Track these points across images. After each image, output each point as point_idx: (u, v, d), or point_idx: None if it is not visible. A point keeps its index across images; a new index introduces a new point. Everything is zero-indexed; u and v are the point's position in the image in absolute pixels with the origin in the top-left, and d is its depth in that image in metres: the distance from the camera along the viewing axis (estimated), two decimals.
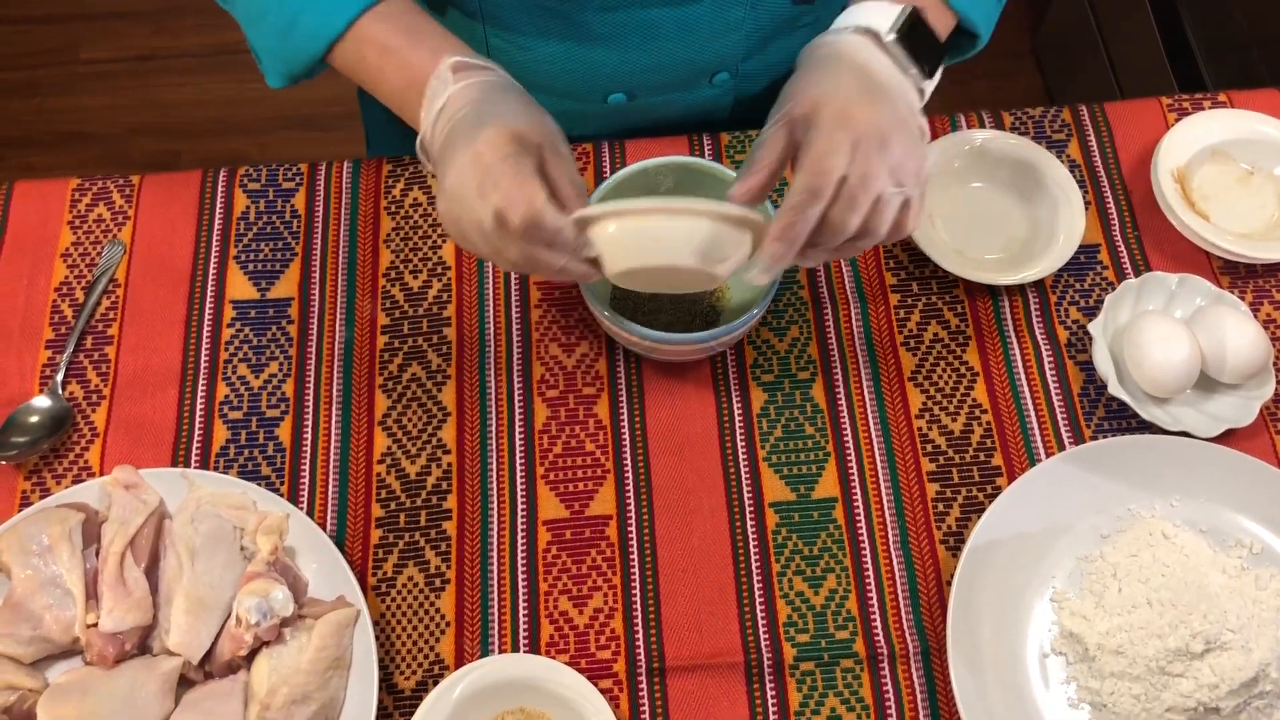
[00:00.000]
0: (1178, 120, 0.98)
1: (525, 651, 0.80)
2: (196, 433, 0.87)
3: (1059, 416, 0.88)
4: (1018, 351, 0.90)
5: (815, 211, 0.70)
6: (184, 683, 0.77)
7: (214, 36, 2.31)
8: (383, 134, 1.16)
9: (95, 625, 0.77)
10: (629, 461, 0.86)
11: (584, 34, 0.91)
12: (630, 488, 0.85)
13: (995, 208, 0.95)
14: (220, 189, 0.96)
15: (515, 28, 0.92)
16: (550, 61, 0.94)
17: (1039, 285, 0.93)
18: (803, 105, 0.72)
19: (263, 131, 2.21)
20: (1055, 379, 0.89)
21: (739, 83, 1.00)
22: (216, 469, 0.86)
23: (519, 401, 0.88)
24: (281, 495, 0.84)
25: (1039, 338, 0.91)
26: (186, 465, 0.86)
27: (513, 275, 0.93)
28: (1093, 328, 0.88)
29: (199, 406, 0.88)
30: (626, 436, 0.87)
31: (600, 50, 0.92)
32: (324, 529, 0.83)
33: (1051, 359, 0.90)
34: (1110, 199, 0.96)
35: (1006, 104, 0.98)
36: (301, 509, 0.84)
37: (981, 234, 0.94)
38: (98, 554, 0.79)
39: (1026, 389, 0.89)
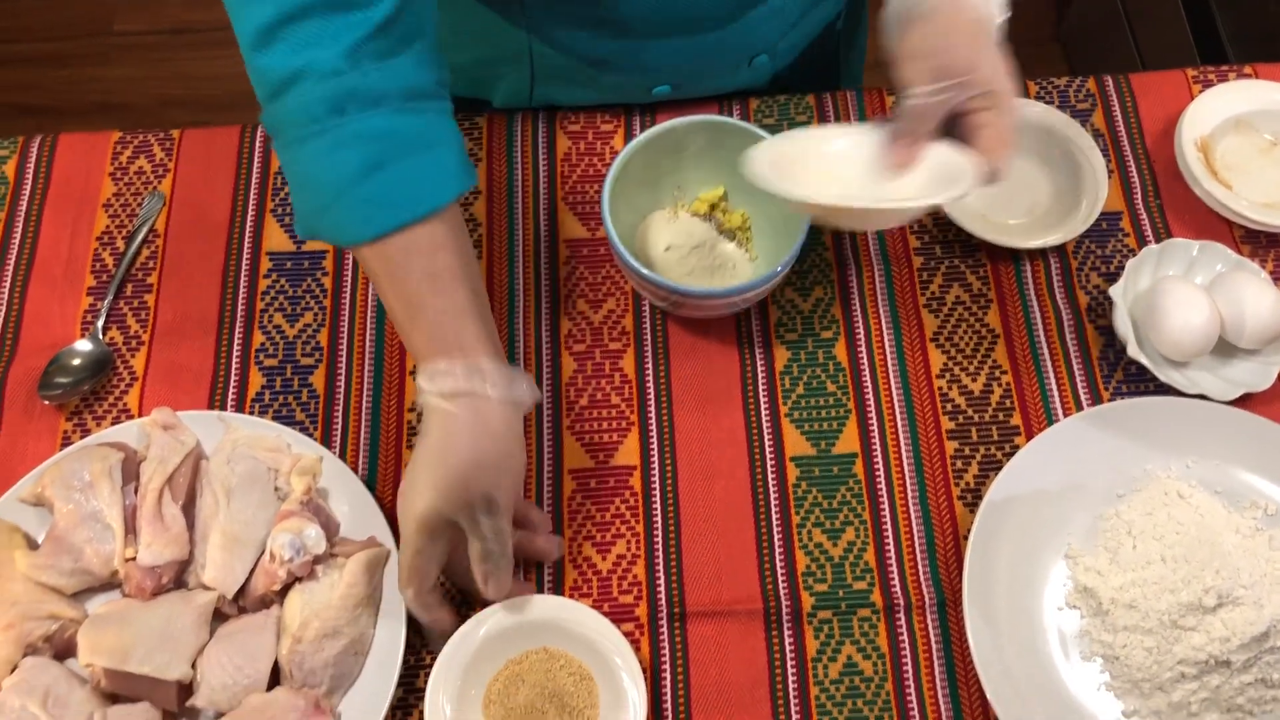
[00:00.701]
0: (1202, 91, 0.99)
1: (549, 594, 0.82)
2: (233, 378, 0.89)
3: (1078, 378, 0.89)
4: (1038, 315, 0.92)
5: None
6: (218, 616, 0.79)
7: None
8: None
9: (134, 559, 0.79)
10: (653, 414, 0.88)
11: (628, 33, 0.92)
12: (654, 440, 0.87)
13: (1019, 174, 0.96)
14: (259, 144, 0.98)
15: (558, 33, 0.93)
16: (594, 63, 0.95)
17: (1060, 251, 0.94)
18: (976, 79, 0.74)
19: None
20: (1075, 342, 0.91)
21: (775, 60, 1.01)
22: (252, 414, 0.88)
23: (546, 354, 0.90)
24: (315, 439, 0.87)
25: (1060, 302, 0.92)
26: (223, 408, 0.88)
27: (543, 233, 0.95)
28: (1113, 291, 0.89)
29: (235, 353, 0.90)
30: (651, 390, 0.89)
31: (646, 48, 0.93)
32: (356, 472, 0.85)
33: (1071, 323, 0.91)
34: (1133, 167, 0.97)
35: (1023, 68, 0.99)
36: (334, 452, 0.86)
37: (1005, 200, 0.95)
38: (136, 491, 0.81)
39: (1046, 351, 0.90)
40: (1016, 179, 0.96)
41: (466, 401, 0.71)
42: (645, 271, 0.83)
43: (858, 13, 1.12)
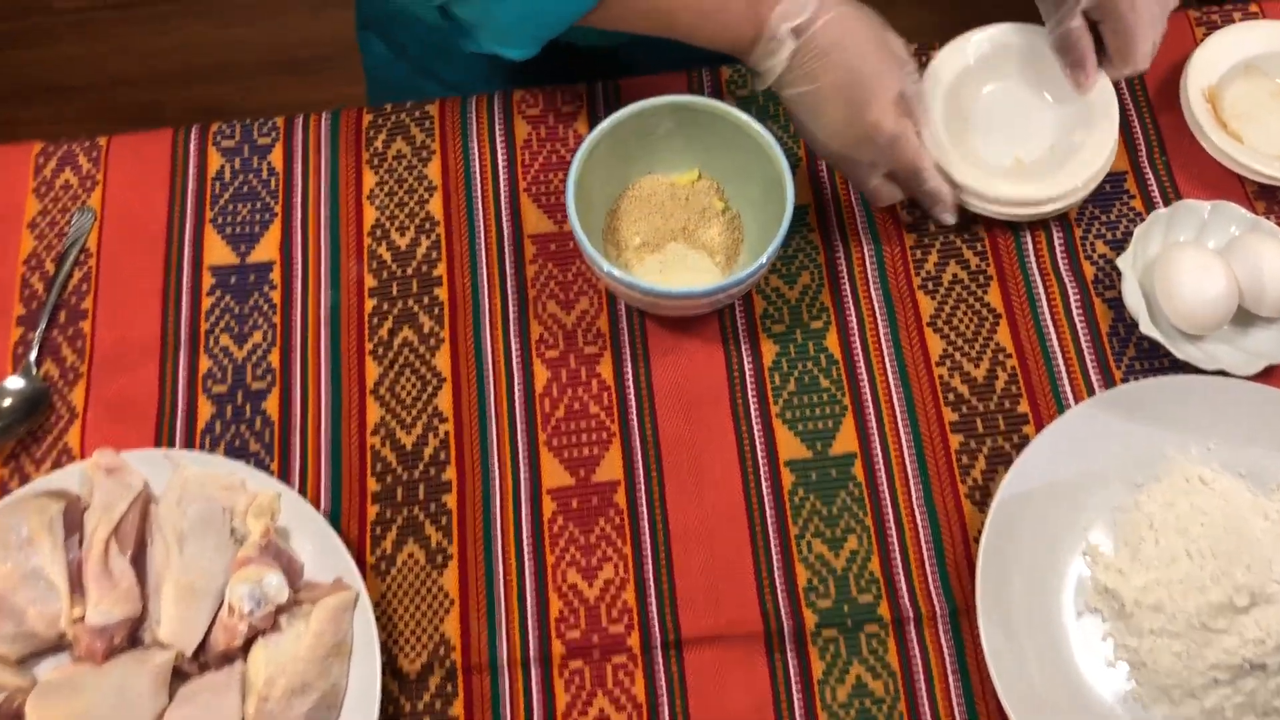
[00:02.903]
0: (1206, 35, 0.92)
1: (535, 635, 0.76)
2: (180, 409, 0.83)
3: (1087, 358, 0.83)
4: (1042, 291, 0.85)
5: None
6: (178, 675, 0.74)
7: None
8: (387, 74, 1.09)
9: (82, 619, 0.73)
10: (635, 423, 0.82)
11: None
12: (638, 451, 0.81)
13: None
14: (193, 148, 0.91)
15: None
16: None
17: (1063, 219, 0.87)
18: None
19: (249, 77, 2.13)
20: (1082, 318, 0.84)
21: None
22: (202, 447, 0.82)
23: (517, 363, 0.84)
24: (271, 473, 0.80)
25: (1064, 275, 0.86)
26: (171, 443, 0.82)
27: (506, 229, 0.88)
28: (1121, 262, 0.82)
29: (181, 381, 0.84)
30: (632, 397, 0.83)
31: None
32: (317, 507, 0.79)
33: (1078, 297, 0.85)
34: (1136, 122, 0.91)
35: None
36: (293, 487, 0.80)
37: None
38: (81, 543, 0.75)
39: (1053, 330, 0.84)
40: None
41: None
42: (620, 275, 0.76)
43: None
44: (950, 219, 0.83)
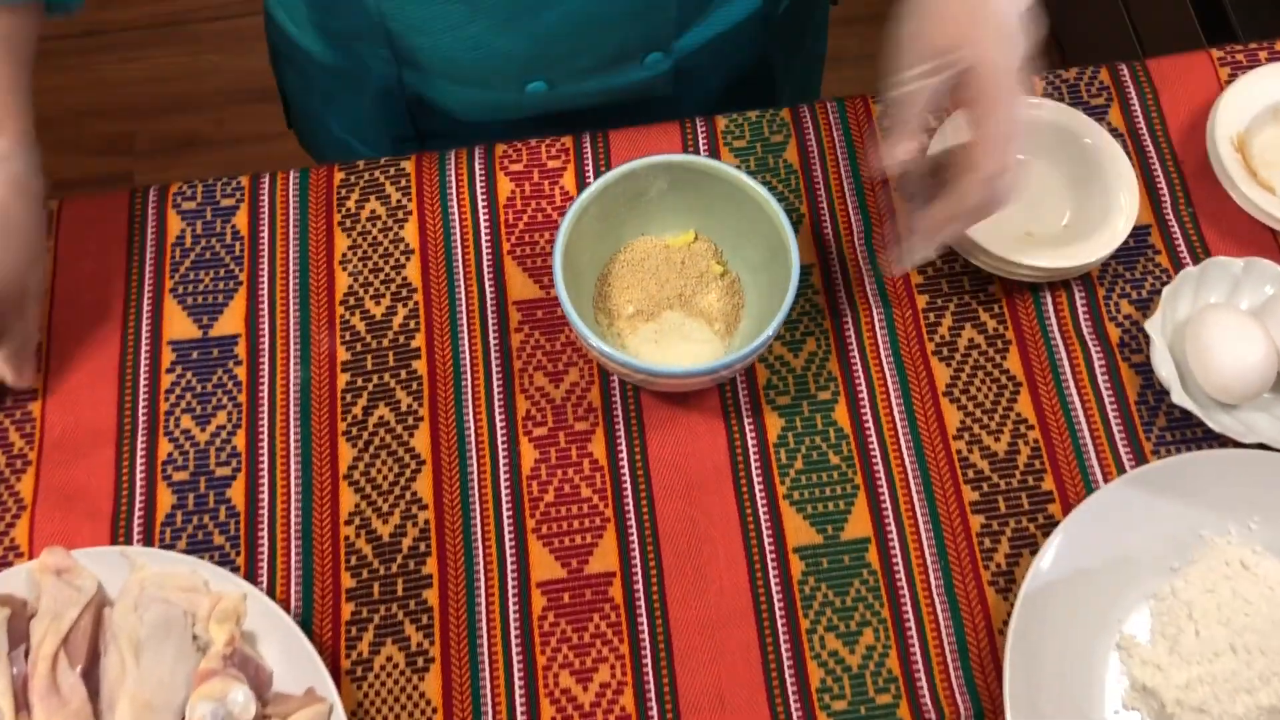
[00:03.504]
0: (1231, 77, 0.87)
1: None
2: (138, 499, 0.76)
3: (1114, 429, 0.77)
4: (1064, 355, 0.80)
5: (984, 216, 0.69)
6: None
7: (161, 5, 2.16)
8: (323, 137, 1.03)
9: None
10: (631, 508, 0.76)
11: (487, 17, 0.79)
12: (634, 538, 0.75)
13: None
14: (151, 211, 0.85)
15: (412, 13, 0.81)
16: (454, 49, 0.83)
17: (1084, 277, 0.82)
18: (958, 58, 0.64)
19: (219, 106, 2.07)
20: (1108, 385, 0.79)
21: (679, 61, 0.88)
22: (162, 540, 0.75)
23: (502, 443, 0.78)
24: (237, 569, 0.74)
25: (1088, 338, 0.80)
26: (128, 536, 0.75)
27: (489, 295, 0.82)
28: (1150, 327, 0.77)
29: (139, 468, 0.77)
30: (627, 478, 0.77)
31: (507, 36, 0.81)
32: (287, 608, 0.73)
33: (1103, 362, 0.79)
34: (1159, 172, 0.85)
35: None
36: (260, 585, 0.74)
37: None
38: (26, 655, 0.69)
39: (1077, 399, 0.78)
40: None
41: None
42: (614, 354, 0.70)
43: (802, 12, 0.98)
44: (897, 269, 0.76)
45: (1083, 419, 0.78)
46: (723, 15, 0.88)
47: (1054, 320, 0.81)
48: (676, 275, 0.79)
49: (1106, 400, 0.78)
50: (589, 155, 0.86)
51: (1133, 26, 1.73)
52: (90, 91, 2.10)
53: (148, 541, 0.75)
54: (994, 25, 0.64)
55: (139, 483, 0.77)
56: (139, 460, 0.77)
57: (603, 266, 0.80)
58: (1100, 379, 0.79)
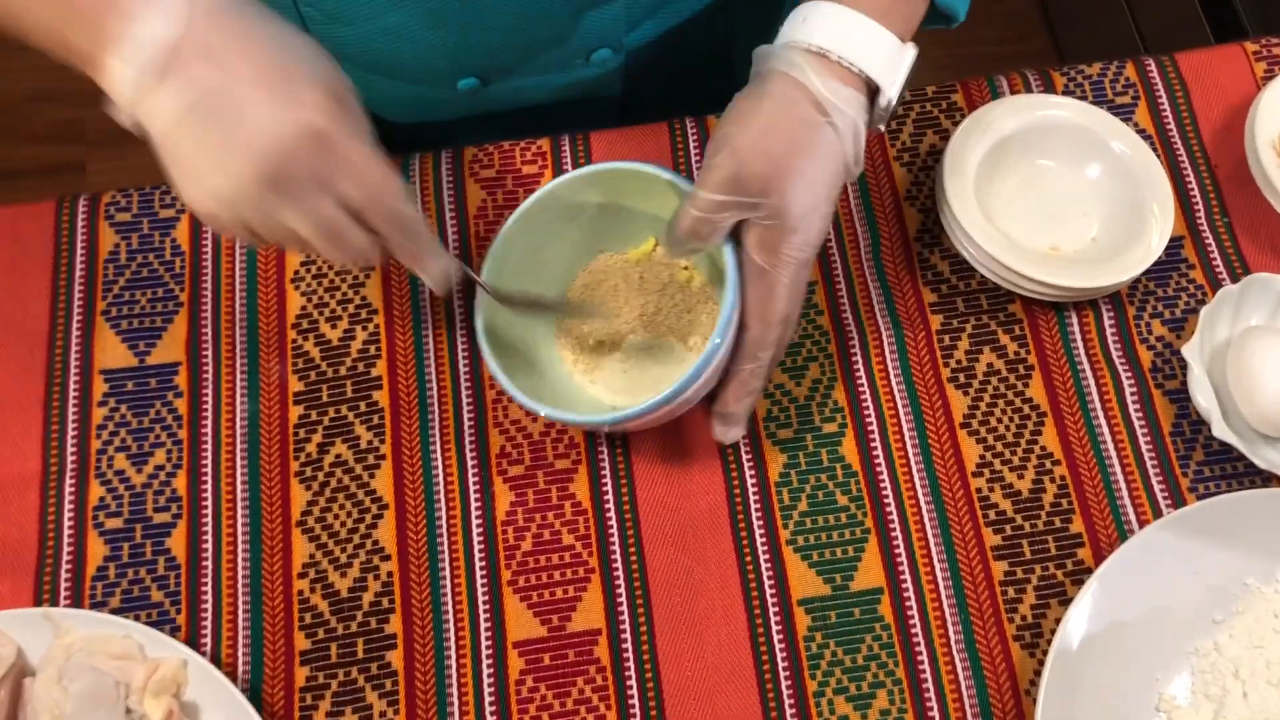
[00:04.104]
0: (1269, 73, 0.80)
1: None
2: (65, 550, 0.68)
3: (1148, 464, 0.71)
4: (1092, 382, 0.73)
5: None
6: None
7: None
8: None
9: None
10: (618, 556, 0.68)
11: (414, 5, 0.70)
12: (622, 591, 0.68)
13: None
14: (80, 223, 0.76)
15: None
16: (377, 40, 0.73)
17: (1113, 295, 0.75)
18: (766, 206, 0.60)
19: None
20: (1140, 416, 0.72)
21: (629, 58, 0.80)
22: (93, 597, 0.67)
23: (474, 484, 0.70)
24: (177, 630, 0.66)
25: (1117, 363, 0.73)
26: (53, 593, 0.67)
27: (456, 315, 0.74)
28: (1187, 352, 0.70)
29: (67, 515, 0.69)
30: (614, 522, 0.69)
31: (435, 27, 0.72)
32: (234, 675, 0.65)
33: (1134, 390, 0.72)
34: (1192, 178, 0.78)
35: (1009, 62, 0.78)
36: (203, 650, 0.66)
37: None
38: None
39: (1106, 430, 0.71)
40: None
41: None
42: (559, 415, 0.63)
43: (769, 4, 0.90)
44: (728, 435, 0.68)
45: (1113, 453, 0.71)
46: (675, 11, 0.80)
47: (1080, 343, 0.74)
48: (636, 292, 0.71)
49: (1139, 432, 0.71)
50: (568, 159, 0.78)
51: (1134, 22, 1.65)
52: (41, 75, 1.99)
53: (76, 598, 0.67)
54: (806, 182, 0.60)
55: (66, 531, 0.69)
56: (66, 506, 0.69)
57: (564, 291, 0.72)
58: (1132, 409, 0.72)
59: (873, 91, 0.62)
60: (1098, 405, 0.72)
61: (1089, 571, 0.68)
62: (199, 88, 0.52)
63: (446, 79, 0.76)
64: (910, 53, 0.62)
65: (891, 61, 0.61)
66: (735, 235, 0.62)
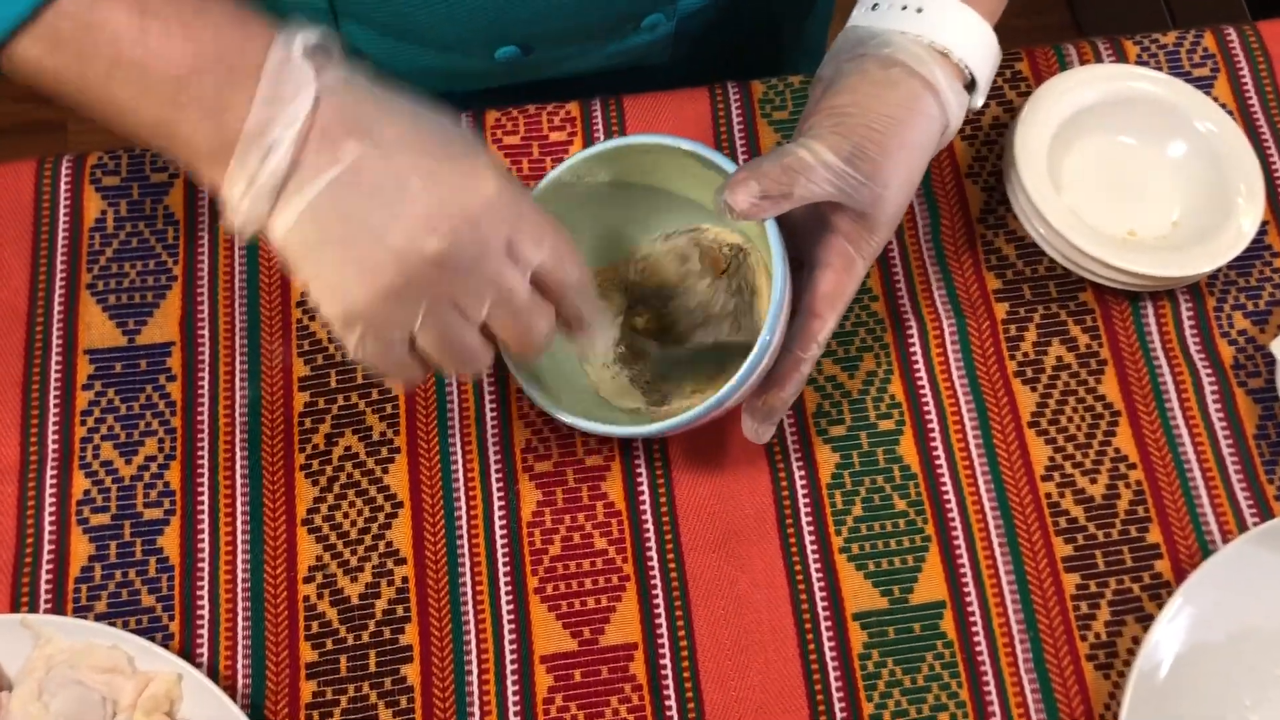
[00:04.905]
0: None
1: None
2: (45, 548, 0.62)
3: (1230, 469, 0.65)
4: (1170, 379, 0.67)
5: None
6: None
7: None
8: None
9: None
10: (655, 563, 0.62)
11: None
12: (660, 602, 0.62)
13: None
14: (64, 187, 0.69)
15: None
16: (409, 4, 0.66)
17: (1191, 285, 0.69)
18: (867, 191, 0.56)
19: None
20: (1222, 416, 0.66)
21: (679, 25, 0.74)
22: (76, 602, 0.61)
23: (497, 481, 0.64)
24: (170, 640, 0.60)
25: (1196, 359, 0.67)
26: (32, 597, 0.61)
27: None
28: (1275, 348, 0.64)
29: (47, 509, 0.63)
30: (650, 525, 0.63)
31: None
32: (234, 690, 0.59)
33: (1215, 388, 0.67)
34: (1276, 156, 0.72)
35: (1026, 35, 0.72)
36: (199, 662, 0.60)
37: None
38: None
39: (1185, 432, 0.66)
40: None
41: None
42: (588, 426, 0.57)
43: None
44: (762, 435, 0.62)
45: (1193, 457, 0.65)
46: None
47: (1156, 336, 0.68)
48: (652, 293, 0.65)
49: (1220, 435, 0.66)
50: (599, 126, 0.71)
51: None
52: None
53: (58, 602, 0.61)
54: (911, 179, 0.58)
55: (47, 528, 0.62)
56: (47, 499, 0.63)
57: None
58: (1212, 408, 0.66)
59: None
60: (1175, 405, 0.66)
61: (1167, 586, 0.63)
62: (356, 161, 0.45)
63: (484, 47, 0.70)
64: (999, 57, 0.60)
65: (992, 69, 0.59)
66: (780, 220, 0.56)
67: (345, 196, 0.44)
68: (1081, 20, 1.82)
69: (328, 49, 0.46)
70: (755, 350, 0.55)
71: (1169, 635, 0.59)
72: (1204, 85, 0.73)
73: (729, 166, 0.56)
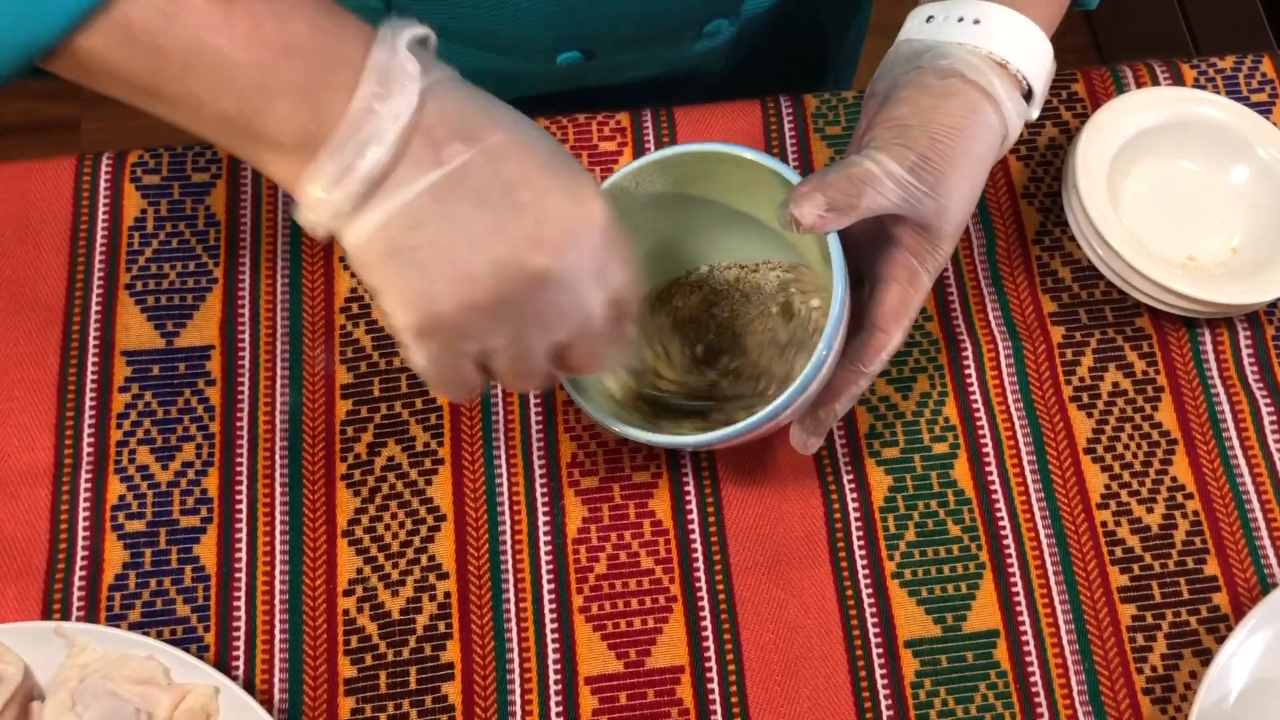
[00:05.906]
0: None
1: None
2: (79, 555, 0.60)
3: None
4: (1227, 408, 0.66)
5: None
6: None
7: None
8: None
9: None
10: (704, 584, 0.61)
11: None
12: (708, 624, 0.60)
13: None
14: (103, 185, 0.68)
15: None
16: (471, 6, 0.65)
17: (1249, 313, 0.68)
18: (932, 203, 0.54)
19: None
20: None
21: (739, 31, 0.73)
22: (110, 610, 0.59)
23: (542, 496, 0.62)
24: (205, 651, 0.58)
25: (1254, 387, 0.66)
26: (65, 604, 0.59)
27: None
28: None
29: (81, 514, 0.61)
30: (698, 546, 0.62)
31: None
32: (270, 705, 0.57)
33: (1274, 417, 0.65)
34: None
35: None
36: (236, 675, 0.58)
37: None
38: None
39: (1243, 462, 0.64)
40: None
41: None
42: (641, 435, 0.55)
43: None
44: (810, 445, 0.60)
45: (1251, 488, 0.64)
46: None
47: (1213, 363, 0.67)
48: (709, 317, 0.64)
49: (1278, 464, 0.64)
50: (650, 136, 0.70)
51: (1186, 20, 1.58)
52: None
53: (91, 610, 0.59)
54: (974, 192, 0.56)
55: (81, 533, 0.61)
56: (81, 504, 0.61)
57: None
58: (1271, 439, 0.65)
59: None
60: (1233, 434, 0.65)
61: (1225, 619, 0.61)
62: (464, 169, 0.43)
63: (545, 52, 0.68)
64: (1054, 69, 0.59)
65: (1047, 79, 0.58)
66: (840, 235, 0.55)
67: (448, 201, 0.43)
68: (1102, 43, 1.82)
69: (428, 46, 0.45)
70: (812, 363, 0.54)
71: (1232, 670, 0.58)
72: (1262, 110, 0.72)
73: (794, 178, 0.55)
